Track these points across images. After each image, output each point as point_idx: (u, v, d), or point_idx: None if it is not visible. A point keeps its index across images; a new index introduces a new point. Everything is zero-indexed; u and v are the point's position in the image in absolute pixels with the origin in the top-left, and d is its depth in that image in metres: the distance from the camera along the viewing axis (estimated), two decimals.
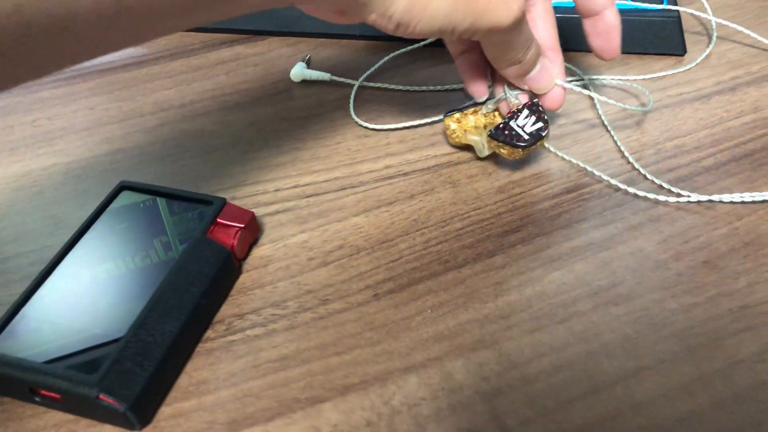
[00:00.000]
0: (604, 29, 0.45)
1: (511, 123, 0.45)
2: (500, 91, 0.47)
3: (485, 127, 0.48)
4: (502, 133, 0.45)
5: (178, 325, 0.36)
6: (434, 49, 0.60)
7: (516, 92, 0.46)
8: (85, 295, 0.38)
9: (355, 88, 0.56)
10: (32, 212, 0.47)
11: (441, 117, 0.50)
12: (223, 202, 0.43)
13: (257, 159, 0.51)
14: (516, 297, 0.40)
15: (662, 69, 0.57)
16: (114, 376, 0.34)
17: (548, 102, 0.46)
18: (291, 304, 0.40)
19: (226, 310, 0.40)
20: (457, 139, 0.48)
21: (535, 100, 0.46)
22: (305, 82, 0.58)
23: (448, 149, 0.50)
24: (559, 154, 0.48)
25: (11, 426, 0.35)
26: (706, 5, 0.62)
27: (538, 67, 0.44)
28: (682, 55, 0.58)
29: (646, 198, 0.46)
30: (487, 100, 0.48)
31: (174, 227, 0.42)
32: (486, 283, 0.41)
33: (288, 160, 0.51)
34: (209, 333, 0.39)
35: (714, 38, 0.60)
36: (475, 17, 0.36)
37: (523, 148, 0.45)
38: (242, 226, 0.42)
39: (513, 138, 0.45)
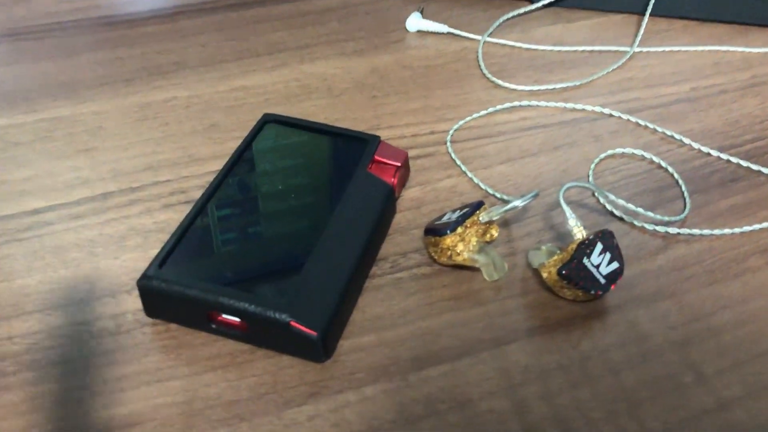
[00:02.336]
0: None
1: (585, 261, 0.34)
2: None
3: (485, 240, 0.38)
4: (576, 275, 0.34)
5: (354, 257, 0.35)
6: (551, 8, 0.59)
7: (578, 221, 0.36)
8: (249, 225, 0.36)
9: (481, 43, 0.55)
10: (161, 143, 0.45)
11: (445, 225, 0.36)
12: (379, 140, 0.41)
13: (386, 104, 0.49)
14: (685, 251, 0.39)
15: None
16: (303, 304, 0.32)
17: None
18: None
19: (387, 248, 0.39)
20: (458, 260, 0.36)
21: (608, 230, 0.36)
22: (420, 33, 0.56)
23: (586, 104, 0.49)
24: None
25: (184, 353, 0.33)
26: None
27: None
28: None
29: None
30: (480, 205, 0.37)
31: (329, 163, 0.40)
32: (653, 236, 0.40)
33: (418, 107, 0.49)
34: (375, 270, 0.37)
35: None
36: None
37: (596, 296, 0.35)
38: (399, 164, 0.40)
39: (588, 282, 0.34)
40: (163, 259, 0.33)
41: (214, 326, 0.33)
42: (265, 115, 0.42)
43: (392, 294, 0.36)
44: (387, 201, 0.38)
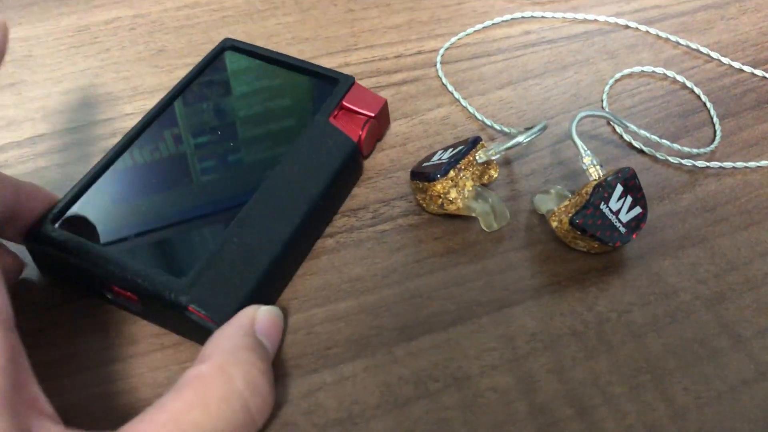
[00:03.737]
0: None
1: (602, 207, 0.29)
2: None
3: (483, 183, 0.32)
4: (591, 222, 0.28)
5: (289, 229, 0.28)
6: None
7: (594, 158, 0.31)
8: (172, 179, 0.30)
9: None
10: (101, 74, 0.38)
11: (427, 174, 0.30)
12: (352, 82, 0.34)
13: (365, 19, 0.42)
14: (716, 187, 0.33)
15: None
16: (208, 284, 0.26)
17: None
18: None
19: (368, 195, 0.33)
20: (451, 209, 0.31)
21: (629, 169, 0.30)
22: None
23: (598, 14, 0.42)
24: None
25: (81, 322, 0.28)
26: None
27: None
28: None
29: None
30: (477, 142, 0.31)
31: (289, 105, 0.33)
32: (679, 171, 0.34)
33: (402, 21, 0.42)
34: (353, 221, 0.32)
35: None
36: None
37: (614, 247, 0.29)
38: (372, 115, 0.33)
39: (606, 232, 0.29)
40: (57, 214, 0.28)
41: (109, 296, 0.27)
42: (226, 40, 0.35)
43: (374, 250, 0.31)
44: (347, 161, 0.31)
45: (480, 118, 0.36)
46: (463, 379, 0.27)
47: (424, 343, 0.28)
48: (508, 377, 0.27)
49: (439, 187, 0.30)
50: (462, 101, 0.37)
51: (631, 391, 0.26)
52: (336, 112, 0.33)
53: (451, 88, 0.37)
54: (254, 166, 0.30)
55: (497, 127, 0.35)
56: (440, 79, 0.38)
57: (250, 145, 0.31)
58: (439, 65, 0.39)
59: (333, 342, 0.28)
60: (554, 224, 0.30)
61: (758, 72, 0.39)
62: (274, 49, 0.36)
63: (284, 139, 0.31)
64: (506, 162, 0.34)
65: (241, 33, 0.41)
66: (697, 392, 0.27)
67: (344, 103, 0.33)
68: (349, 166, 0.32)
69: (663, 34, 0.41)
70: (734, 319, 0.29)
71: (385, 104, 0.34)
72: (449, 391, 0.26)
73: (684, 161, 0.34)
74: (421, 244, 0.31)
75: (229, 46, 0.35)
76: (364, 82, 0.38)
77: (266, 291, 0.28)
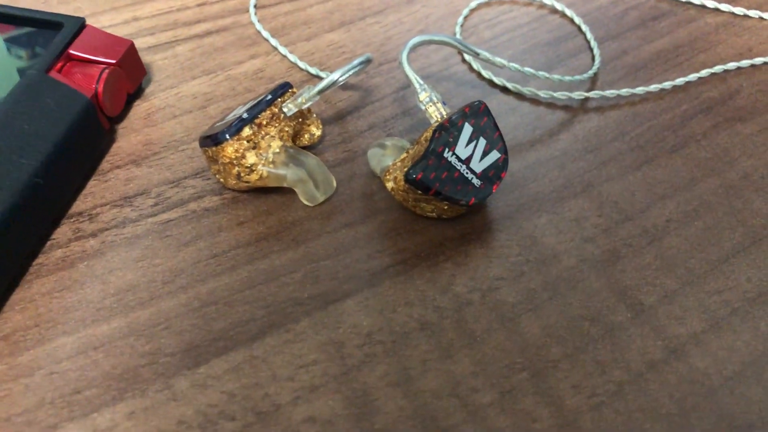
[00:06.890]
0: None
1: (446, 155, 0.21)
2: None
3: (303, 145, 0.25)
4: (434, 176, 0.21)
5: None
6: None
7: (434, 93, 0.23)
8: None
9: None
10: None
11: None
12: (81, 24, 0.26)
13: None
14: (599, 122, 0.27)
15: None
16: None
17: None
18: (198, 185, 0.25)
19: (151, 176, 0.25)
20: (253, 180, 0.23)
21: (479, 102, 0.22)
22: None
23: None
24: None
25: None
26: None
27: None
28: None
29: None
30: (284, 90, 0.24)
31: None
32: (552, 107, 0.27)
33: None
34: (126, 211, 0.23)
35: None
36: None
37: (469, 205, 0.22)
38: (113, 62, 0.25)
39: (455, 186, 0.21)
40: None
41: None
42: None
43: (154, 248, 0.22)
44: (81, 122, 0.23)
45: (303, 66, 0.28)
46: (270, 413, 0.19)
47: (216, 368, 0.20)
48: (333, 400, 0.19)
49: (230, 150, 0.22)
50: (281, 48, 0.29)
51: (504, 398, 0.19)
52: (60, 64, 0.25)
53: (266, 34, 0.30)
54: None
55: (323, 76, 0.28)
56: (254, 25, 0.30)
57: None
58: (252, 9, 0.31)
59: (85, 382, 0.19)
60: (390, 186, 0.22)
61: None
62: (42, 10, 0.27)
63: None
64: (338, 117, 0.27)
65: None
66: (591, 388, 0.19)
67: (71, 52, 0.25)
68: (85, 130, 0.24)
69: None
70: (633, 283, 0.22)
71: (132, 48, 0.26)
72: (250, 431, 0.18)
73: (557, 94, 0.27)
74: (221, 233, 0.23)
75: None
76: (157, 38, 0.30)
77: None
